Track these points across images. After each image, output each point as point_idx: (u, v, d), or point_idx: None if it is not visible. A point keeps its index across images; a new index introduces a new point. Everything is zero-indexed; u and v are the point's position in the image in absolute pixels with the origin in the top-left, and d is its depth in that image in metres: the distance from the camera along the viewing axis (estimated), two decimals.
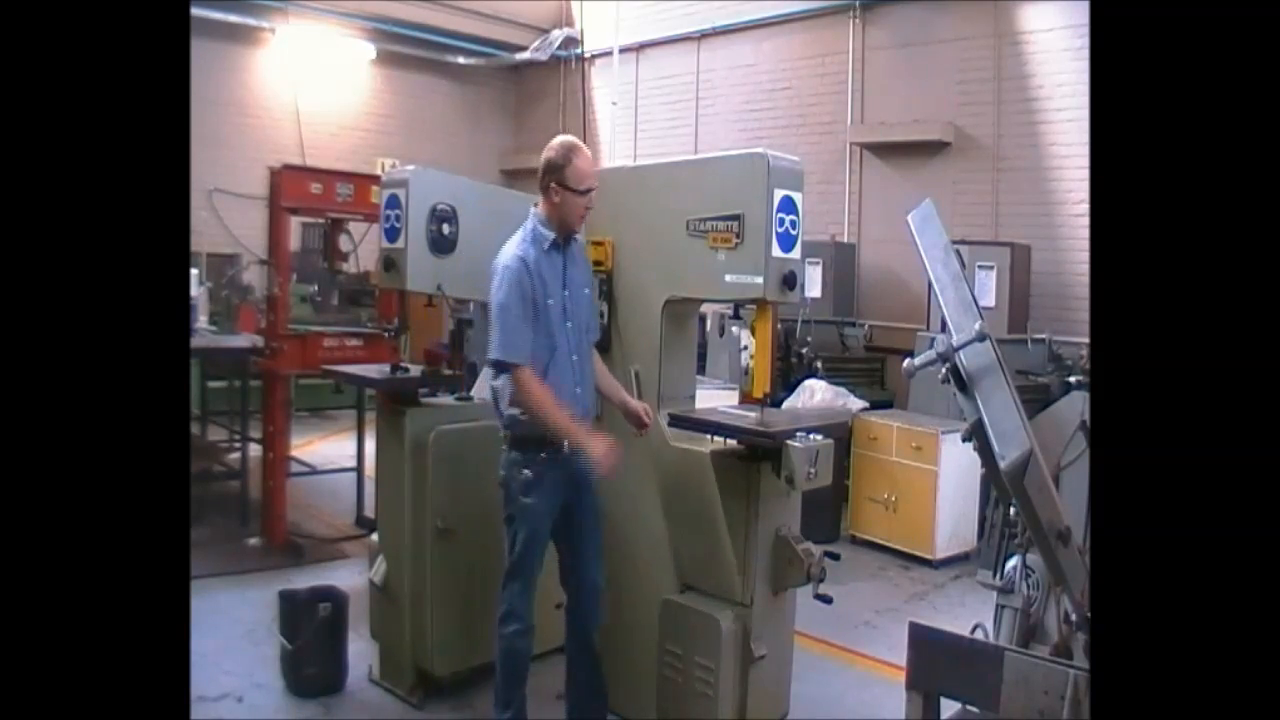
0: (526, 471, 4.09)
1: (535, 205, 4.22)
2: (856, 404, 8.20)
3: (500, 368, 4.05)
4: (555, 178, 4.09)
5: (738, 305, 4.60)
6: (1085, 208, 8.91)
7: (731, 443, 4.32)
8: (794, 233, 4.14)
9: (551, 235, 4.13)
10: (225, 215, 12.61)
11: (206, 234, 12.06)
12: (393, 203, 4.90)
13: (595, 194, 4.17)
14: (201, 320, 8.67)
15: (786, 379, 8.45)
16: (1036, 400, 5.89)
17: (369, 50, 14.14)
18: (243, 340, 7.98)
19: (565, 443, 4.10)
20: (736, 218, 4.12)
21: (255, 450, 7.97)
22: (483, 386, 5.39)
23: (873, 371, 9.96)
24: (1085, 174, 8.74)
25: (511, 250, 4.08)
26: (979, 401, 3.12)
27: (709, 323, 9.14)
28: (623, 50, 13.55)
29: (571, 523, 4.27)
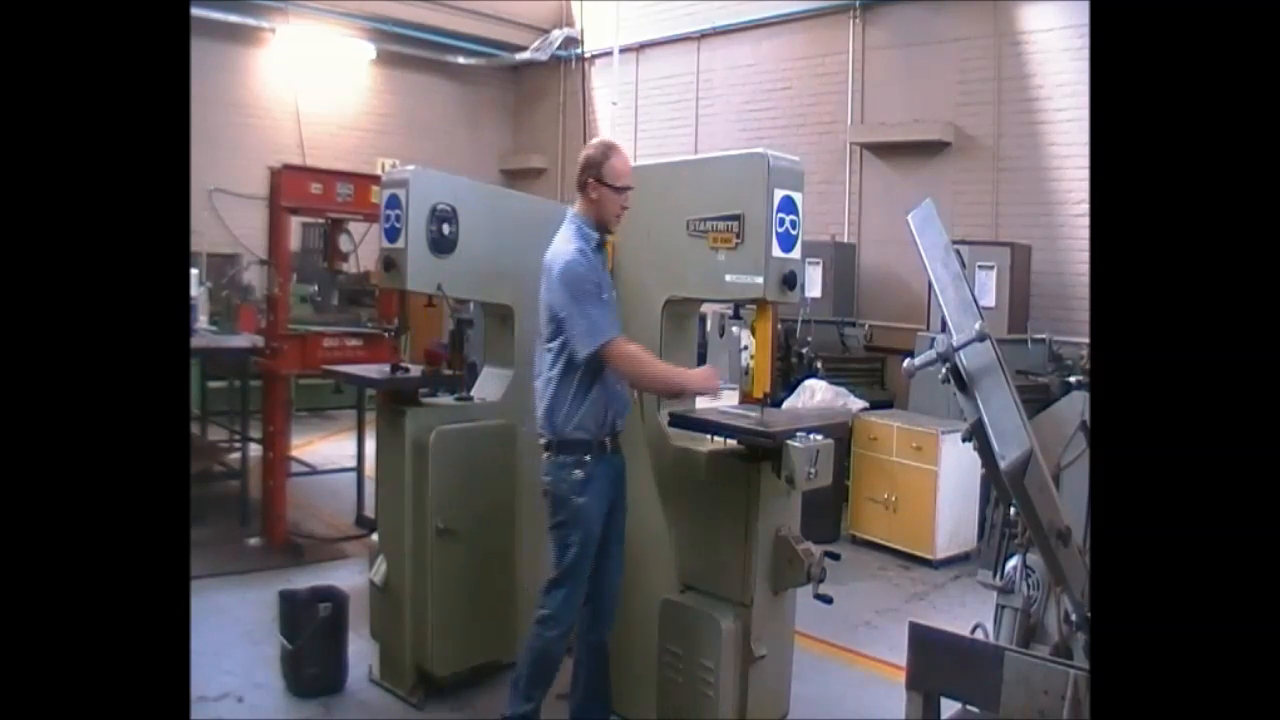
0: (578, 472, 4.07)
1: (573, 206, 4.23)
2: (856, 404, 8.20)
3: (591, 362, 4.02)
4: (593, 174, 4.10)
5: (738, 305, 4.59)
6: (1085, 208, 8.90)
7: (732, 443, 4.32)
8: (794, 233, 4.14)
9: (596, 235, 4.15)
10: (225, 215, 12.60)
11: (207, 234, 12.06)
12: (393, 203, 4.90)
13: (631, 195, 4.17)
14: (202, 320, 8.66)
15: (786, 379, 8.45)
16: (1037, 400, 5.87)
17: (369, 50, 14.13)
18: (243, 340, 7.97)
19: (608, 441, 4.15)
20: (737, 218, 4.12)
21: (255, 450, 7.97)
22: (482, 387, 5.39)
23: (873, 371, 9.96)
24: (1085, 174, 8.73)
25: (569, 246, 4.05)
26: (979, 401, 3.11)
27: (709, 323, 9.15)
28: (623, 50, 13.55)
29: (608, 525, 4.25)
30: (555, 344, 4.06)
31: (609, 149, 4.16)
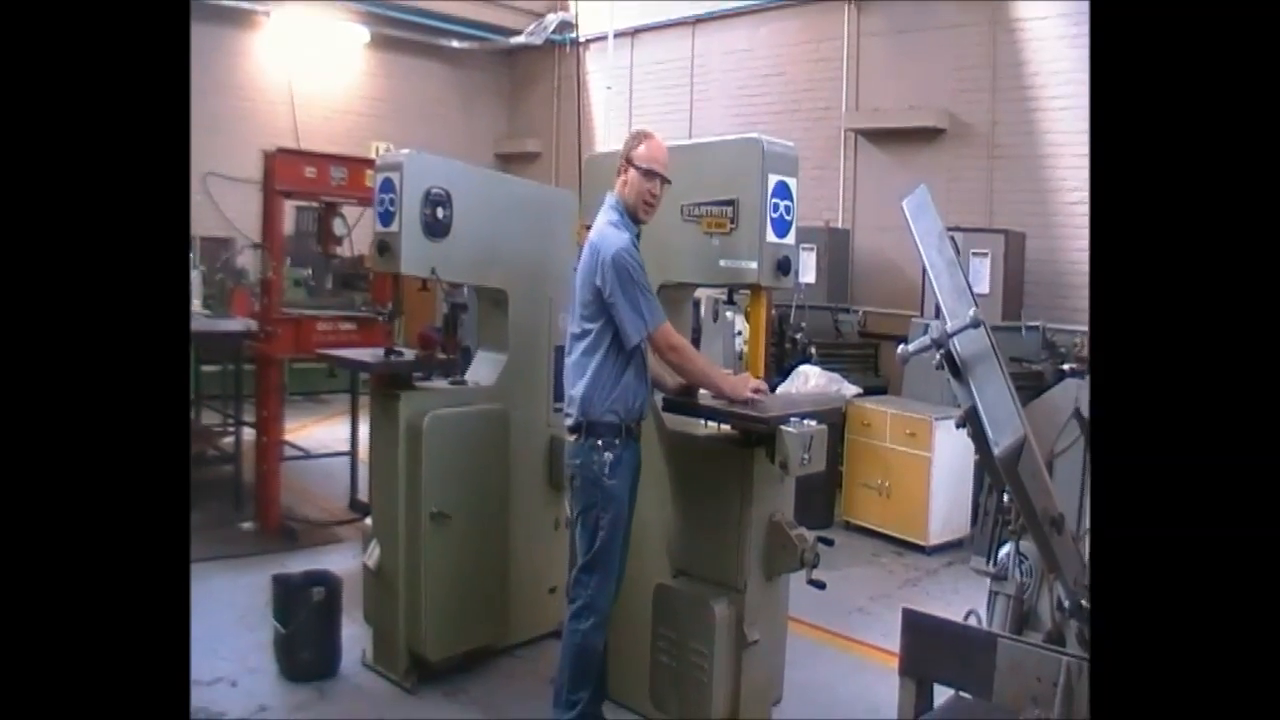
0: (608, 454, 4.06)
1: (611, 190, 4.22)
2: (850, 390, 8.13)
3: (638, 348, 4.06)
4: (626, 157, 4.15)
5: (732, 290, 4.58)
6: (1080, 195, 8.91)
7: (725, 428, 4.32)
8: (788, 218, 4.13)
9: (635, 227, 4.15)
10: (219, 199, 12.54)
11: (200, 218, 11.99)
12: (387, 186, 4.89)
13: (662, 190, 4.14)
14: (195, 304, 8.64)
15: (780, 364, 8.43)
16: (1030, 388, 5.87)
17: (363, 34, 14.07)
18: (236, 324, 7.96)
19: (635, 427, 4.16)
20: (731, 203, 4.11)
21: (249, 434, 7.96)
22: (476, 371, 5.38)
23: (867, 357, 9.95)
24: (1080, 161, 8.74)
25: (622, 234, 4.05)
26: (973, 388, 3.11)
27: (703, 308, 9.12)
28: (617, 35, 13.49)
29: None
30: (595, 325, 4.06)
31: (643, 135, 4.22)
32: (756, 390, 4.11)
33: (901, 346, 3.37)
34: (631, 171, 4.11)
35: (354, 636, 5.26)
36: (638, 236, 4.11)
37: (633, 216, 4.14)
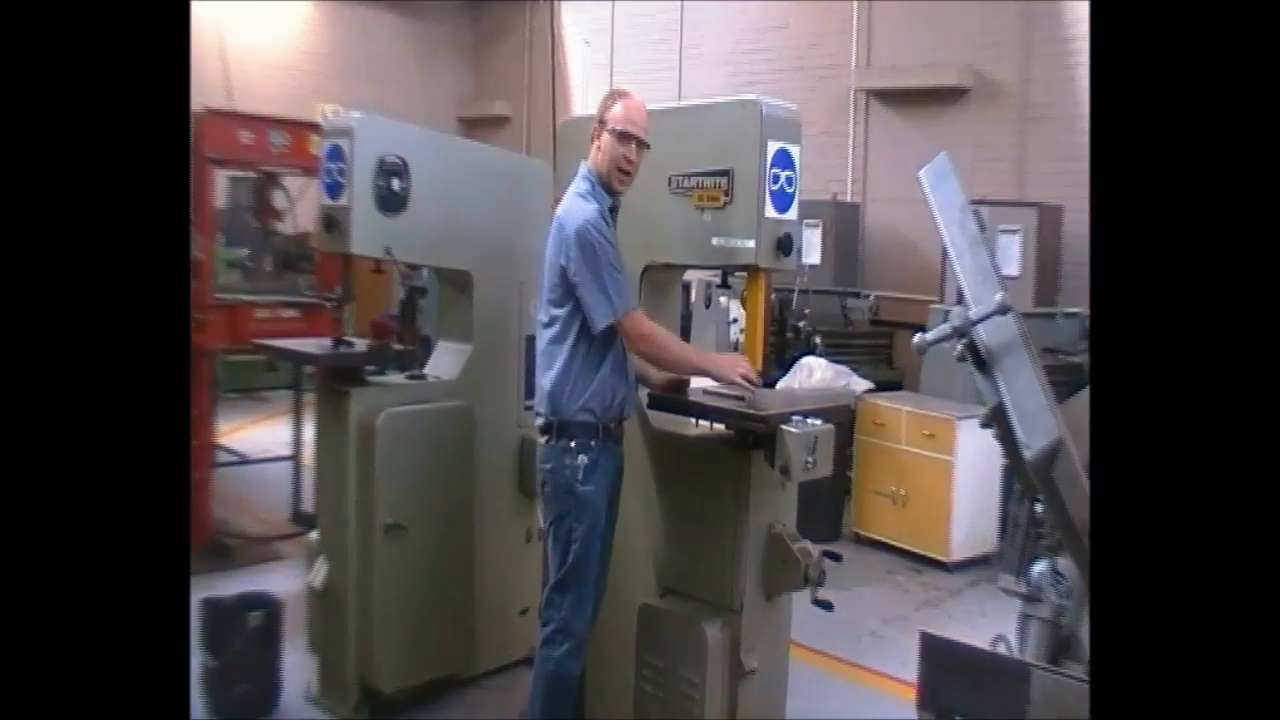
0: (583, 457, 4.04)
1: (585, 159, 4.21)
2: (861, 384, 8.21)
3: (606, 335, 4.03)
4: (600, 119, 4.13)
5: (726, 272, 4.57)
6: None
7: (719, 427, 4.31)
8: (790, 191, 4.12)
9: (608, 199, 4.12)
10: None
11: None
12: (335, 154, 4.86)
13: (641, 155, 4.11)
14: None
15: (781, 356, 8.46)
16: (1067, 382, 5.90)
17: None
18: None
19: (614, 427, 4.15)
20: (725, 173, 4.10)
21: None
22: (437, 363, 5.36)
23: (879, 348, 9.98)
24: None
25: (588, 206, 4.02)
26: (1000, 383, 3.11)
27: (694, 292, 9.13)
28: None
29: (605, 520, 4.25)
30: (563, 311, 4.04)
31: (618, 94, 4.20)
32: (746, 376, 4.08)
33: (919, 336, 3.38)
34: (605, 136, 4.09)
35: (297, 666, 5.24)
36: (614, 210, 4.10)
37: (606, 187, 4.12)
